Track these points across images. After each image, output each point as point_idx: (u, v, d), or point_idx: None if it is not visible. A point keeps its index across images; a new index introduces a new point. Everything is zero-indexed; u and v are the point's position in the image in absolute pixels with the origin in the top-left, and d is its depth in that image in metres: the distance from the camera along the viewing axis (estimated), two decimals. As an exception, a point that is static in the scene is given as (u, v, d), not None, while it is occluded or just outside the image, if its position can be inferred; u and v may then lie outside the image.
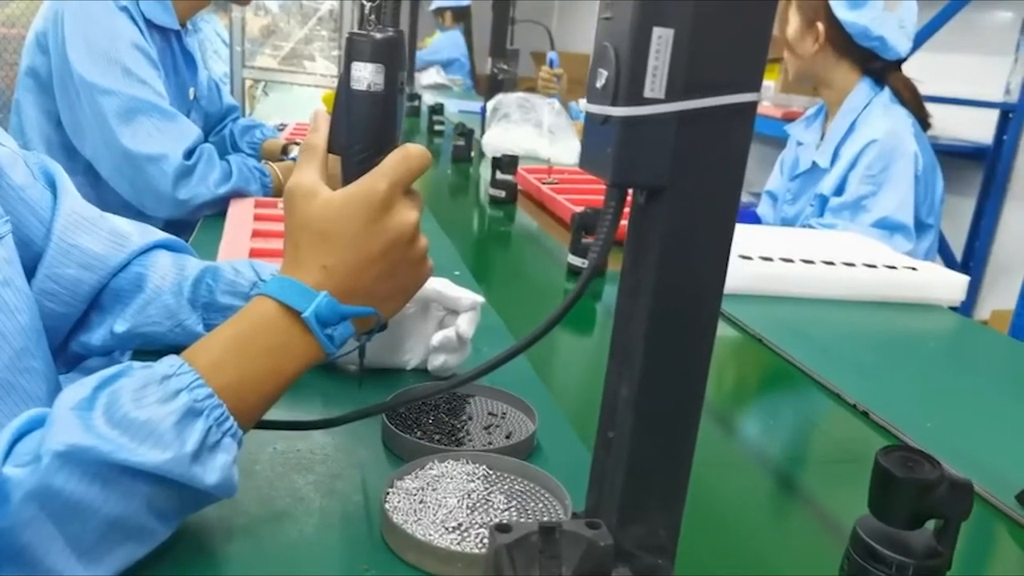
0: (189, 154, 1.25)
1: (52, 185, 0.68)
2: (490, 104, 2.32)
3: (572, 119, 2.39)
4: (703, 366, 0.47)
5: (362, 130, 0.57)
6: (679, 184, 0.43)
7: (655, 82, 0.41)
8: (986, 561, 0.66)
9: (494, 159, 1.64)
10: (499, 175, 1.64)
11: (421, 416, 0.69)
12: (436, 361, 0.76)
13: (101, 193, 1.28)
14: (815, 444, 0.82)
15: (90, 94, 1.20)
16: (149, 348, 0.74)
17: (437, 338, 0.75)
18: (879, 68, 1.59)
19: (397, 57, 0.56)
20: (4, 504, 0.40)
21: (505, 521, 0.55)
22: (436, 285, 0.75)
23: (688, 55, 0.41)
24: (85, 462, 0.42)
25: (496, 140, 2.17)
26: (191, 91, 1.45)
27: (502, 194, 1.65)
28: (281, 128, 2.09)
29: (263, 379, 0.50)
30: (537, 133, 2.21)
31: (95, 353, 0.74)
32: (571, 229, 1.20)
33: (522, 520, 0.56)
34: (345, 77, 0.57)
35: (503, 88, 2.40)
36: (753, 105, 0.43)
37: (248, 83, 2.50)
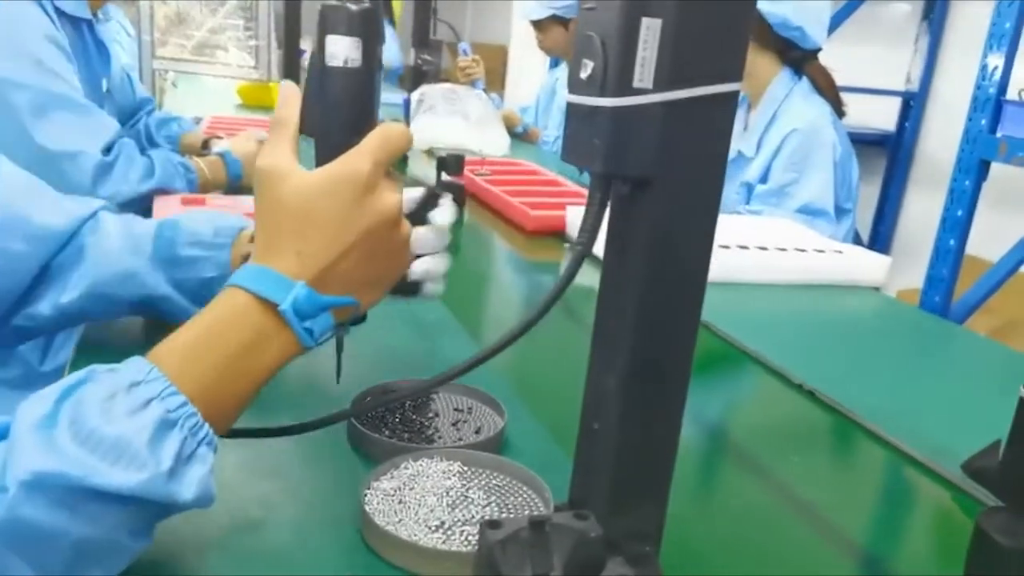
0: (107, 150, 1.18)
1: None
2: (414, 96, 2.28)
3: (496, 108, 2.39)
4: (688, 355, 0.48)
5: (339, 109, 0.54)
6: (666, 174, 0.43)
7: (643, 72, 0.41)
8: (935, 530, 0.69)
9: (439, 160, 1.56)
10: (445, 177, 1.54)
11: (387, 414, 0.68)
12: (419, 268, 0.68)
13: (11, 193, 1.20)
14: (766, 423, 0.84)
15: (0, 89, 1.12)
16: (108, 318, 0.70)
17: (414, 237, 0.69)
18: (798, 58, 1.65)
19: (375, 30, 0.53)
20: None
21: (488, 517, 0.54)
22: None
23: (674, 45, 0.41)
24: (53, 488, 0.39)
25: (422, 132, 2.14)
26: (104, 83, 1.38)
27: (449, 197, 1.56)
28: (197, 121, 2.01)
29: (238, 379, 0.47)
30: (465, 125, 2.19)
31: (46, 326, 0.69)
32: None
33: (504, 515, 0.56)
34: (319, 52, 0.53)
35: (427, 79, 2.37)
36: (735, 94, 0.43)
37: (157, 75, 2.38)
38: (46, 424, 0.40)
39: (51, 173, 1.15)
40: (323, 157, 0.53)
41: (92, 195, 1.16)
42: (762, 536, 0.62)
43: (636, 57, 0.41)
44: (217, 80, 2.46)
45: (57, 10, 1.21)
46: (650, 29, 0.40)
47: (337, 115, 0.54)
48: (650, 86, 0.41)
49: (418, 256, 0.66)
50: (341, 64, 0.53)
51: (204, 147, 1.54)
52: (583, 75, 0.43)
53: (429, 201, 0.65)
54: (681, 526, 0.51)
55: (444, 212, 0.67)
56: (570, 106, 0.45)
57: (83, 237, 0.68)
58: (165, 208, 1.19)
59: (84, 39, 1.31)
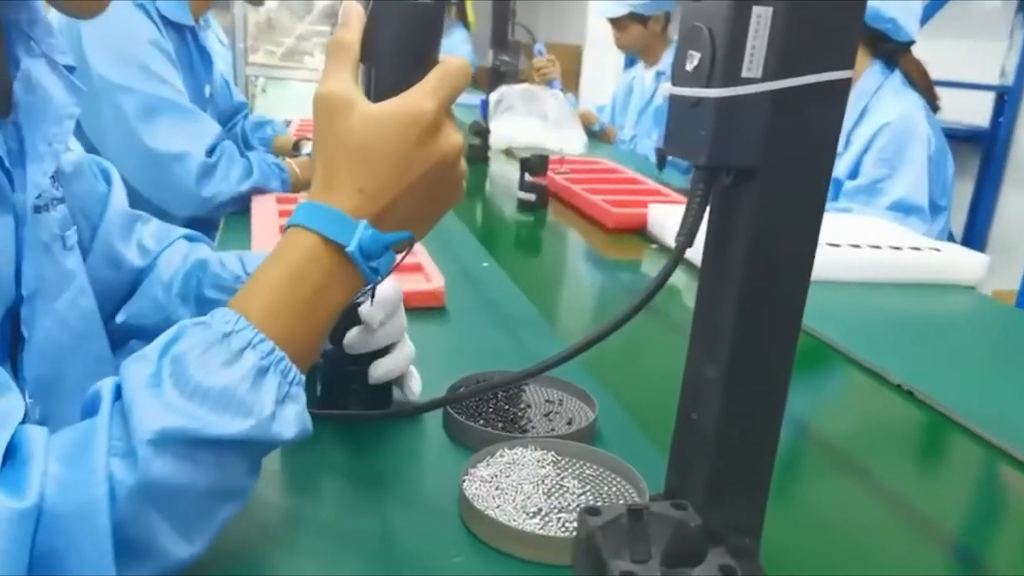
0: (211, 151, 1.24)
1: (108, 185, 0.69)
2: (492, 96, 2.31)
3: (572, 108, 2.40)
4: (790, 347, 0.48)
5: (405, 42, 0.51)
6: (771, 164, 0.43)
7: (753, 61, 0.41)
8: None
9: (523, 160, 1.56)
10: (528, 178, 1.54)
11: (481, 405, 0.69)
12: (378, 372, 0.66)
13: (120, 193, 1.27)
14: (865, 423, 0.82)
15: (110, 93, 1.19)
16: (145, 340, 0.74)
17: (346, 341, 0.65)
18: (890, 51, 1.60)
19: None
20: (113, 501, 0.39)
21: (587, 505, 0.55)
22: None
23: (785, 33, 0.41)
24: (176, 443, 0.41)
25: (502, 132, 2.17)
26: (207, 88, 1.44)
27: (532, 198, 1.53)
28: (287, 124, 2.08)
29: (314, 319, 0.49)
30: (543, 125, 2.20)
31: (125, 336, 0.74)
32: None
33: (599, 504, 0.57)
34: None
35: (506, 80, 2.39)
36: (846, 82, 0.43)
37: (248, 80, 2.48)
38: (153, 383, 0.42)
39: (159, 173, 1.22)
40: (381, 89, 0.51)
41: (197, 194, 1.22)
42: (861, 537, 0.61)
43: (746, 47, 0.41)
44: (304, 84, 2.54)
45: (163, 18, 1.28)
46: (761, 18, 0.40)
47: (403, 48, 0.51)
48: (759, 75, 0.41)
49: (374, 358, 0.64)
50: None
51: (295, 148, 1.59)
52: (689, 67, 0.43)
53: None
54: (777, 527, 0.50)
55: (372, 311, 0.63)
56: (673, 98, 0.45)
57: (150, 270, 0.74)
58: (262, 206, 1.24)
59: (188, 46, 1.38)
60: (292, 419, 0.46)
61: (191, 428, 0.41)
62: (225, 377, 0.43)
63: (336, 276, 0.49)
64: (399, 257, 0.53)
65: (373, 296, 0.63)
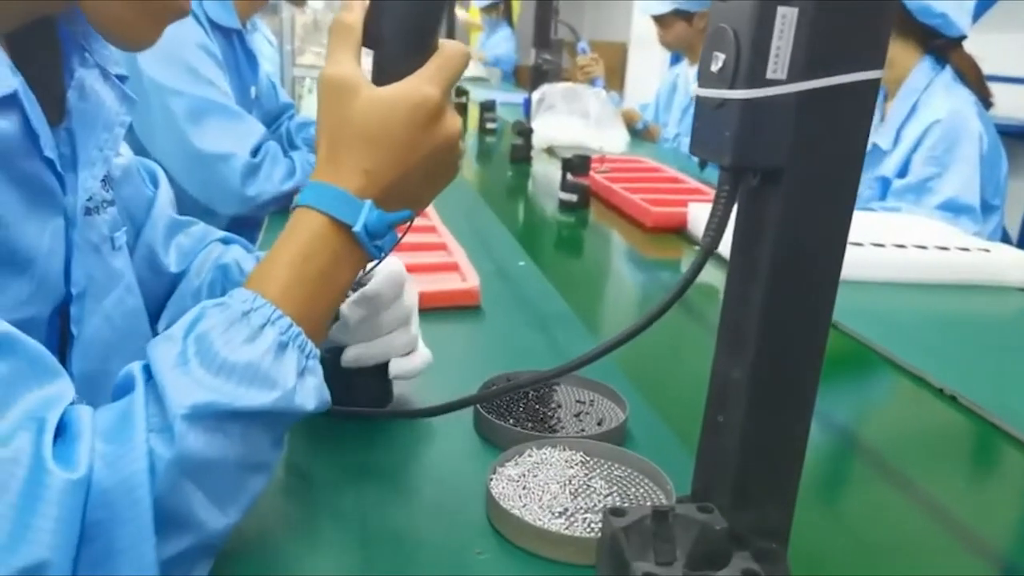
0: (255, 152, 1.27)
1: (154, 188, 0.71)
2: (535, 95, 2.31)
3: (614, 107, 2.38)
4: (818, 351, 0.47)
5: (408, 26, 0.52)
6: (798, 166, 0.43)
7: (778, 62, 0.41)
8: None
9: (564, 161, 1.55)
10: (570, 178, 1.53)
11: (512, 404, 0.70)
12: (350, 355, 0.66)
13: (169, 192, 1.31)
14: (905, 428, 0.81)
15: (159, 95, 1.23)
16: None
17: (332, 330, 0.65)
18: (940, 46, 1.56)
19: None
20: (153, 475, 0.41)
21: (612, 506, 0.55)
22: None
23: (811, 34, 0.40)
24: (207, 417, 0.43)
25: (544, 131, 2.17)
26: (252, 90, 1.48)
27: (574, 198, 1.52)
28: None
29: (325, 296, 0.51)
30: (584, 124, 2.20)
31: None
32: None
33: (625, 505, 0.57)
34: None
35: (548, 79, 2.39)
36: (876, 83, 0.42)
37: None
38: (181, 361, 0.44)
39: (206, 173, 1.26)
40: (383, 72, 0.52)
41: (241, 193, 1.25)
42: (900, 546, 0.60)
43: (771, 48, 0.40)
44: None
45: (211, 21, 1.32)
46: (786, 18, 0.40)
47: (405, 32, 0.52)
48: (784, 77, 0.41)
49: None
50: None
51: (338, 148, 1.62)
52: (714, 68, 0.43)
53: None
54: (812, 533, 0.50)
55: (350, 307, 0.63)
56: (699, 99, 0.45)
57: (184, 275, 0.76)
58: (303, 205, 1.26)
59: (235, 48, 1.41)
60: (312, 391, 0.48)
61: (221, 402, 0.43)
62: (248, 353, 0.45)
63: (343, 255, 0.51)
64: (400, 235, 0.56)
65: (362, 287, 0.65)
